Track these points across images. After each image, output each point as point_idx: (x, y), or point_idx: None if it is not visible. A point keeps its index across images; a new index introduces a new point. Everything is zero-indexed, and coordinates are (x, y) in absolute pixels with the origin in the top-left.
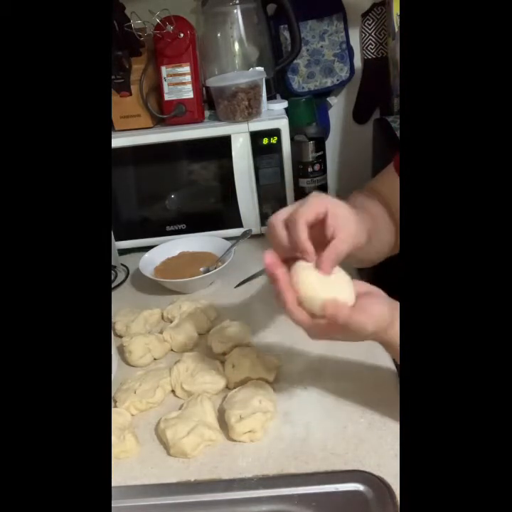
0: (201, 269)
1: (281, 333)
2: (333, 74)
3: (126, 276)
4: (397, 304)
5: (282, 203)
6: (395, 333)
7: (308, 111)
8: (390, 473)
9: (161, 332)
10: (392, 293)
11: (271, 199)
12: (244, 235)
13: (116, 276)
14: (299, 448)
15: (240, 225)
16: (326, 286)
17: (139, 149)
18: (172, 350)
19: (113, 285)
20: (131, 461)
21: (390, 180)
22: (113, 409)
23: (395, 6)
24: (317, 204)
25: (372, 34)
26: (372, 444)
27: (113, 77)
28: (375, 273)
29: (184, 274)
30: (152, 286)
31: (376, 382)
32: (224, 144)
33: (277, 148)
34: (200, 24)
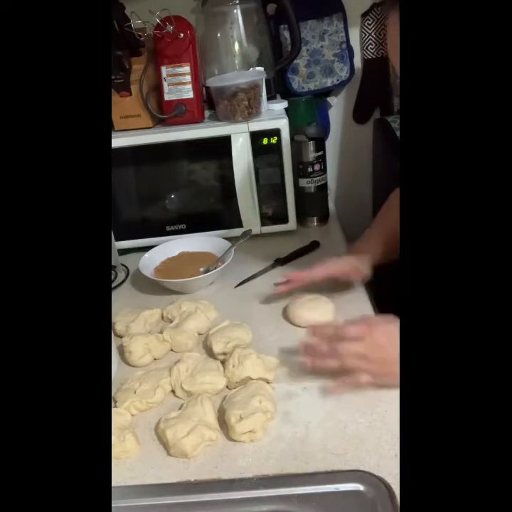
0: (201, 269)
1: (281, 333)
2: (333, 74)
3: (126, 276)
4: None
5: (282, 203)
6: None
7: (308, 111)
8: (390, 473)
9: (161, 332)
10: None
11: (271, 199)
12: (244, 235)
13: (116, 276)
14: (299, 448)
15: (240, 225)
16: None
17: (139, 149)
18: (172, 350)
19: (113, 285)
20: (131, 461)
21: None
22: (113, 409)
23: None
24: (329, 268)
25: (372, 34)
26: (372, 444)
27: (113, 77)
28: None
29: (184, 274)
30: (152, 286)
31: None
32: (224, 144)
33: (277, 148)
34: (200, 24)
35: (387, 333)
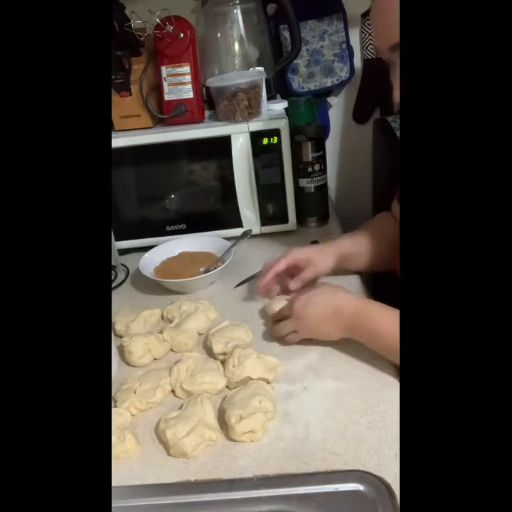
0: (201, 269)
1: None
2: (333, 74)
3: (126, 276)
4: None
5: (282, 203)
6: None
7: (308, 111)
8: (390, 473)
9: (161, 332)
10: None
11: (271, 199)
12: (244, 235)
13: (116, 276)
14: (299, 448)
15: (239, 225)
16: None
17: (139, 149)
18: (172, 350)
19: (113, 285)
20: (131, 461)
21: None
22: (113, 409)
23: None
24: (288, 258)
25: (372, 34)
26: (372, 444)
27: (113, 77)
28: (374, 281)
29: (184, 274)
30: (152, 286)
31: (376, 382)
32: (224, 144)
33: (277, 148)
34: (200, 24)
35: (305, 302)
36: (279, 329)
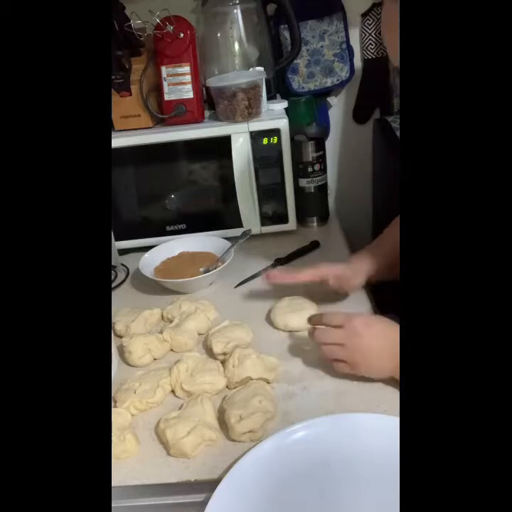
0: (201, 269)
1: (282, 333)
2: (333, 74)
3: (126, 276)
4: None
5: (282, 203)
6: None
7: (308, 111)
8: None
9: (161, 332)
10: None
11: (271, 199)
12: (244, 235)
13: (116, 276)
14: None
15: (240, 225)
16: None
17: (139, 149)
18: (172, 350)
19: (113, 285)
20: (131, 461)
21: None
22: (113, 409)
23: None
24: (316, 271)
25: (372, 34)
26: None
27: (113, 77)
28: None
29: (184, 274)
30: (152, 286)
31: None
32: (224, 143)
33: (277, 148)
34: (200, 24)
35: (366, 323)
36: (327, 351)
